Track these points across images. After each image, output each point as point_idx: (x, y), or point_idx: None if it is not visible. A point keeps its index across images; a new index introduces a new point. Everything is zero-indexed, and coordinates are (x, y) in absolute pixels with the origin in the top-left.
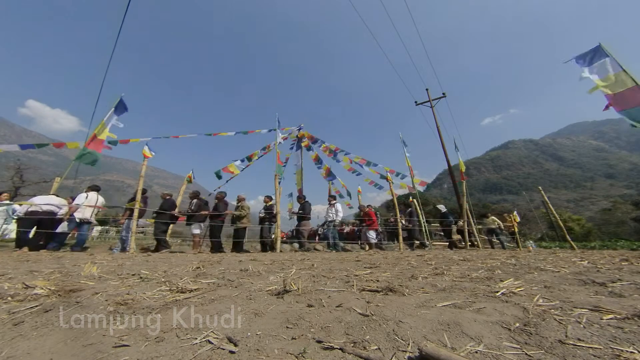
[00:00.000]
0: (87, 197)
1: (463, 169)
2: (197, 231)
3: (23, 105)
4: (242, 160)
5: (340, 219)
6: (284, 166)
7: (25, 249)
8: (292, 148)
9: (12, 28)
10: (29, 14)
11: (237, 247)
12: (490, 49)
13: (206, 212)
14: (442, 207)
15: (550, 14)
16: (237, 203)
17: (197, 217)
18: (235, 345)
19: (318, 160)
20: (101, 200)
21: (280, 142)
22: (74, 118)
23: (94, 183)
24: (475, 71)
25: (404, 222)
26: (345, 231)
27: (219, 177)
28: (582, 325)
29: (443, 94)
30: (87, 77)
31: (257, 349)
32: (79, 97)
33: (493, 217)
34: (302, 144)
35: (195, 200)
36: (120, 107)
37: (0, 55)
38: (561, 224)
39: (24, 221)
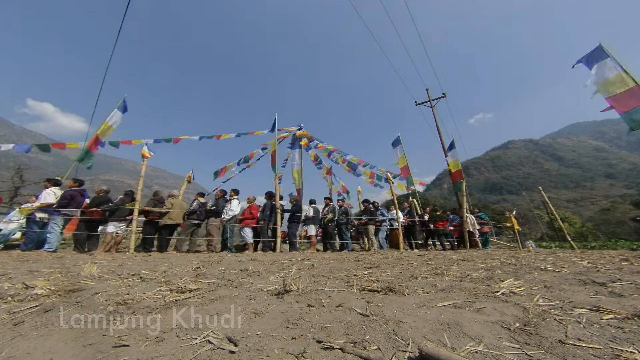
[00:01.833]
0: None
1: (453, 169)
2: (110, 229)
3: (24, 104)
4: (239, 163)
5: (230, 217)
6: (283, 166)
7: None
8: (290, 147)
9: (14, 27)
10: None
11: (161, 245)
12: (489, 47)
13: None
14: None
15: (547, 13)
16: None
17: (117, 215)
18: (235, 345)
19: (318, 161)
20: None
21: (274, 141)
22: (76, 116)
23: (93, 183)
24: (472, 69)
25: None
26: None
27: (216, 176)
28: (582, 325)
29: (443, 94)
30: (86, 75)
31: (257, 349)
32: (80, 96)
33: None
34: (301, 143)
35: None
36: (122, 108)
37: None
38: (561, 224)
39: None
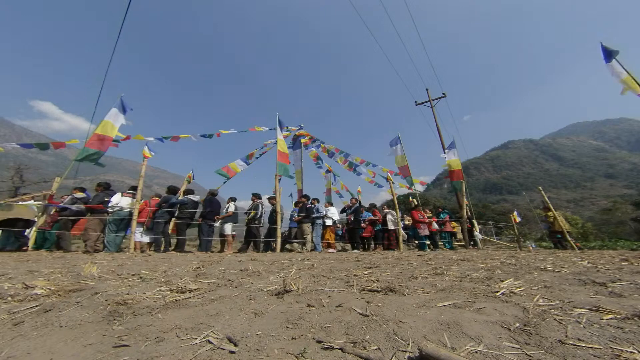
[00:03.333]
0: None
1: (452, 168)
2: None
3: (25, 104)
4: (247, 163)
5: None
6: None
7: None
8: (291, 147)
9: (18, 26)
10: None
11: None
12: (488, 46)
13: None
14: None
15: (546, 10)
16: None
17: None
18: (235, 345)
19: (318, 159)
20: None
21: (279, 140)
22: (74, 114)
23: (93, 183)
24: (470, 68)
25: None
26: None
27: (227, 178)
28: (582, 325)
29: (443, 94)
30: (84, 74)
31: (257, 349)
32: (79, 95)
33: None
34: (303, 141)
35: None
36: (120, 108)
37: (2, 53)
38: (561, 224)
39: None
